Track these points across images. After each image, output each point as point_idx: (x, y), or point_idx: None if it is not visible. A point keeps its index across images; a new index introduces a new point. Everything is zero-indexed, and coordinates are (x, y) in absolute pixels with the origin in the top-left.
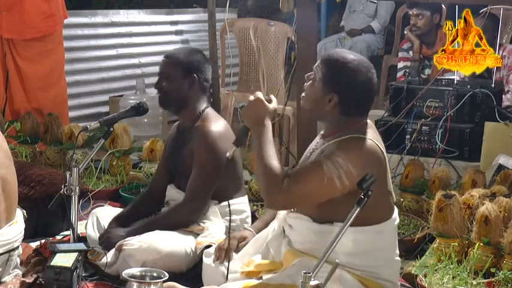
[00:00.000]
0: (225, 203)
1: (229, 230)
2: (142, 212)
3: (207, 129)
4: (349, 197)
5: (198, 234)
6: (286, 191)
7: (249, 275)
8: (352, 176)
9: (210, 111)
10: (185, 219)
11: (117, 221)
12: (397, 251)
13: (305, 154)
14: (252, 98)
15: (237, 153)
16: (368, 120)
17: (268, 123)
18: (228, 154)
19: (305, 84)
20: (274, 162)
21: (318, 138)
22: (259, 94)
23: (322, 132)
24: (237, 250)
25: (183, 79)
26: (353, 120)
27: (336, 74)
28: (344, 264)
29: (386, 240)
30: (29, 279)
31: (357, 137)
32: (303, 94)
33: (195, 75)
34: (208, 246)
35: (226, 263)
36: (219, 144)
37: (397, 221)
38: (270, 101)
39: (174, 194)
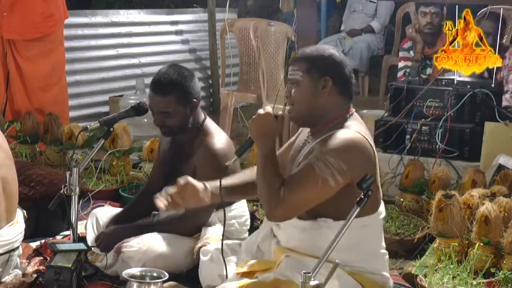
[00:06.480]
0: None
1: (222, 237)
2: (139, 212)
3: (211, 147)
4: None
5: (197, 238)
6: (283, 202)
7: (244, 275)
8: (343, 172)
9: (209, 122)
10: (185, 233)
11: (114, 222)
12: (383, 244)
13: (293, 151)
14: (261, 111)
15: (236, 162)
16: (354, 112)
17: (274, 139)
18: (227, 163)
19: (288, 96)
20: (275, 177)
21: (305, 135)
22: (269, 109)
23: (309, 129)
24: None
25: (184, 110)
26: (346, 103)
27: (319, 59)
28: (332, 259)
29: (371, 234)
30: (29, 279)
31: (343, 131)
32: (292, 103)
33: (194, 100)
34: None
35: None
36: (224, 164)
37: (383, 214)
38: (278, 117)
39: None
